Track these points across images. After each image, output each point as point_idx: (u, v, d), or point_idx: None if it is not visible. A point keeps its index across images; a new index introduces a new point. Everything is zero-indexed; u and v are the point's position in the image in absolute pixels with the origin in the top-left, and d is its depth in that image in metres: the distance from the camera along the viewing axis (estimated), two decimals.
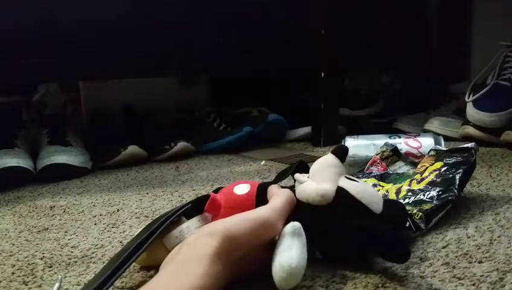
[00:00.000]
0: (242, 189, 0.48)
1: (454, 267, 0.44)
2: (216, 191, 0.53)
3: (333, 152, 0.47)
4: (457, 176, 0.58)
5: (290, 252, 0.38)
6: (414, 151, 0.76)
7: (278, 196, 0.45)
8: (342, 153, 0.47)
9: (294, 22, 1.27)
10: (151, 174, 0.95)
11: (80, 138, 1.06)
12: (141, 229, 0.46)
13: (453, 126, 1.17)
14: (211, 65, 1.22)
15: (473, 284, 0.40)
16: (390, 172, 0.68)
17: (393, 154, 0.71)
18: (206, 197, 0.47)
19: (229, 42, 1.28)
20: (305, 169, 0.50)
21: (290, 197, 0.45)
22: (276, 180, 0.58)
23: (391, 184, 0.63)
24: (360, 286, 0.41)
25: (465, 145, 0.63)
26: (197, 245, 0.37)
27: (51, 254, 0.53)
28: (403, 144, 0.77)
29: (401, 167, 0.70)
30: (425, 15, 1.63)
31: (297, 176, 0.47)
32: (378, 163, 0.70)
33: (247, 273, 0.41)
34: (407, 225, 0.51)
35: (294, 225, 0.40)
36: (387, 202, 0.47)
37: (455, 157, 0.62)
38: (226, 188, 0.50)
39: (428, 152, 0.68)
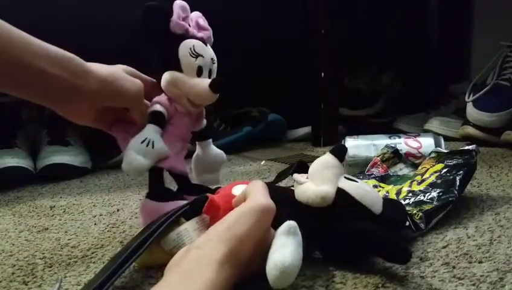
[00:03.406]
0: (240, 190, 0.48)
1: (454, 267, 0.44)
2: (213, 191, 0.53)
3: (332, 152, 0.47)
4: (458, 178, 0.58)
5: (284, 251, 0.37)
6: (414, 151, 0.76)
7: (251, 188, 0.44)
8: (340, 153, 0.47)
9: (294, 22, 1.27)
10: None
11: (80, 138, 1.06)
12: (141, 229, 0.46)
13: (453, 126, 1.17)
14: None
15: (473, 284, 0.40)
16: (391, 174, 0.68)
17: (394, 156, 0.71)
18: (204, 198, 0.47)
19: (229, 42, 1.28)
20: (304, 169, 0.50)
21: (260, 182, 0.45)
22: (276, 180, 0.58)
23: (391, 185, 0.63)
24: (360, 286, 0.41)
25: (466, 148, 0.63)
26: (206, 250, 0.37)
27: (51, 254, 0.53)
28: (403, 144, 0.77)
29: (401, 169, 0.70)
30: (425, 15, 1.63)
31: (296, 176, 0.47)
32: (378, 165, 0.70)
33: (253, 272, 0.41)
34: (407, 224, 0.51)
35: (290, 223, 0.40)
36: (386, 201, 0.47)
37: (456, 159, 0.62)
38: (224, 189, 0.50)
39: (429, 154, 0.68)
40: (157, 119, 0.54)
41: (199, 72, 0.55)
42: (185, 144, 0.58)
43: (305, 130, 1.29)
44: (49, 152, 0.95)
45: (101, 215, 0.68)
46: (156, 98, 0.56)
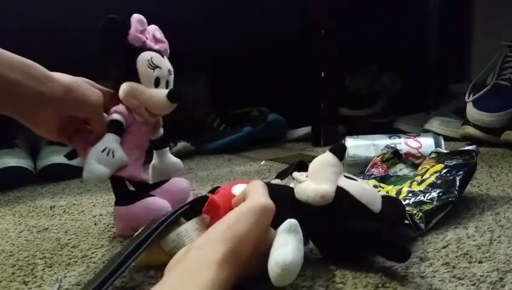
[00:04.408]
0: (240, 190, 0.48)
1: (454, 267, 0.44)
2: (213, 191, 0.53)
3: (331, 151, 0.47)
4: (458, 178, 0.58)
5: (285, 248, 0.38)
6: (414, 151, 0.76)
7: (250, 188, 0.45)
8: (340, 152, 0.47)
9: (294, 21, 1.27)
10: None
11: None
12: (141, 229, 0.46)
13: (453, 126, 1.17)
14: (211, 65, 1.22)
15: (473, 284, 0.40)
16: (391, 174, 0.68)
17: (394, 157, 0.71)
18: (204, 198, 0.47)
19: (229, 42, 1.28)
20: (304, 169, 0.50)
21: (259, 182, 0.45)
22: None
23: (391, 186, 0.63)
24: (360, 286, 0.41)
25: (466, 148, 0.63)
26: (205, 250, 0.37)
27: (51, 254, 0.53)
28: (403, 144, 0.77)
29: (401, 170, 0.70)
30: (425, 15, 1.63)
31: (295, 175, 0.47)
32: (378, 165, 0.69)
33: (253, 272, 0.41)
34: (408, 223, 0.51)
35: (291, 221, 0.40)
36: (385, 199, 0.47)
37: (456, 159, 0.62)
38: (224, 189, 0.50)
39: (429, 154, 0.68)
40: (116, 128, 0.56)
41: (156, 83, 0.57)
42: (142, 152, 0.60)
43: (305, 130, 1.29)
44: (49, 152, 0.95)
45: (101, 215, 0.68)
46: (115, 108, 0.57)
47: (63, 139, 0.57)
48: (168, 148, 0.66)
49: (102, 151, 0.53)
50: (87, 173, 0.53)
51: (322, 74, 1.17)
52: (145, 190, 0.60)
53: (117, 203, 0.57)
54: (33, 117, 0.51)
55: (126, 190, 0.58)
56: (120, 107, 0.57)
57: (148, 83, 0.56)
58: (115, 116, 0.56)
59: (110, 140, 0.54)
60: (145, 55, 0.56)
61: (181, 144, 1.09)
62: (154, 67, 0.56)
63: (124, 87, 0.56)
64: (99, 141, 0.54)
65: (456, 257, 0.46)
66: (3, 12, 1.03)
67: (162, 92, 0.56)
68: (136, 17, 0.57)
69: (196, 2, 1.25)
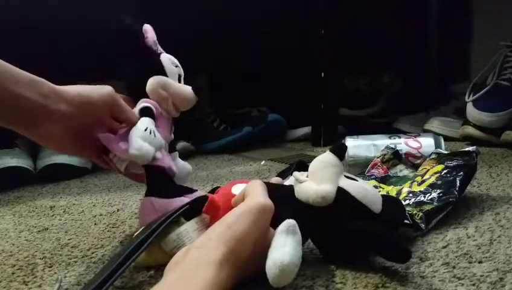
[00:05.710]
0: (240, 189, 0.48)
1: (454, 267, 0.44)
2: (212, 191, 0.53)
3: (332, 151, 0.47)
4: (458, 179, 0.58)
5: (283, 249, 0.38)
6: (414, 151, 0.76)
7: (249, 187, 0.45)
8: (340, 152, 0.47)
9: (294, 22, 1.27)
10: None
11: None
12: (141, 229, 0.46)
13: (453, 126, 1.17)
14: (211, 65, 1.22)
15: (473, 284, 0.40)
16: (391, 175, 0.68)
17: (394, 158, 0.71)
18: (204, 198, 0.47)
19: (229, 42, 1.28)
20: (304, 169, 0.50)
21: (258, 182, 0.45)
22: None
23: (392, 186, 0.63)
24: (360, 286, 0.41)
25: (467, 149, 0.64)
26: (205, 250, 0.37)
27: (51, 254, 0.53)
28: (403, 144, 0.77)
29: (401, 171, 0.70)
30: (425, 15, 1.63)
31: (296, 174, 0.47)
32: (379, 166, 0.69)
33: (253, 272, 0.41)
34: (408, 223, 0.51)
35: (289, 222, 0.40)
36: (385, 199, 0.47)
37: (456, 160, 0.62)
38: (224, 189, 0.50)
39: (430, 155, 0.68)
40: (149, 113, 0.56)
41: (179, 80, 0.60)
42: (167, 147, 0.60)
43: (305, 130, 1.29)
44: (49, 152, 0.95)
45: (101, 215, 0.68)
46: (143, 99, 0.57)
47: (77, 152, 0.55)
48: (177, 153, 0.65)
49: (145, 130, 0.53)
50: (135, 149, 0.51)
51: (322, 74, 1.17)
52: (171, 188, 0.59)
53: (155, 195, 0.55)
54: (43, 132, 0.50)
55: (167, 182, 0.57)
56: (148, 100, 0.57)
57: (174, 79, 0.59)
58: (145, 104, 0.56)
59: (148, 122, 0.54)
60: (165, 55, 0.60)
61: (181, 144, 1.09)
62: (176, 65, 0.60)
63: (155, 78, 0.57)
64: (137, 123, 0.53)
65: (456, 257, 0.46)
66: (5, 13, 1.03)
67: (188, 87, 0.59)
68: (148, 26, 0.60)
69: (196, 2, 1.25)
